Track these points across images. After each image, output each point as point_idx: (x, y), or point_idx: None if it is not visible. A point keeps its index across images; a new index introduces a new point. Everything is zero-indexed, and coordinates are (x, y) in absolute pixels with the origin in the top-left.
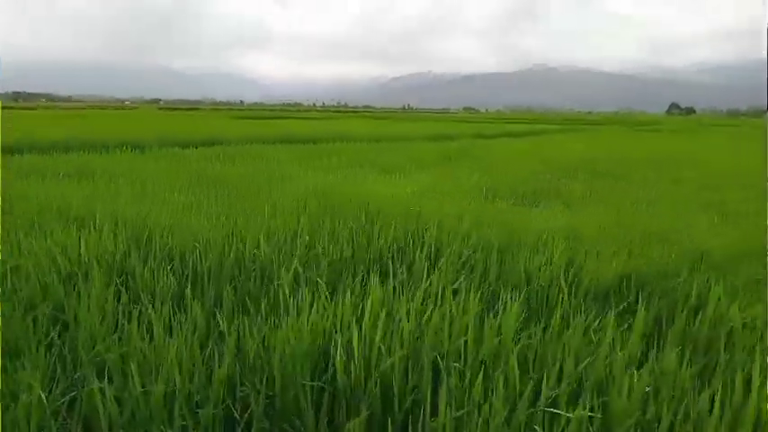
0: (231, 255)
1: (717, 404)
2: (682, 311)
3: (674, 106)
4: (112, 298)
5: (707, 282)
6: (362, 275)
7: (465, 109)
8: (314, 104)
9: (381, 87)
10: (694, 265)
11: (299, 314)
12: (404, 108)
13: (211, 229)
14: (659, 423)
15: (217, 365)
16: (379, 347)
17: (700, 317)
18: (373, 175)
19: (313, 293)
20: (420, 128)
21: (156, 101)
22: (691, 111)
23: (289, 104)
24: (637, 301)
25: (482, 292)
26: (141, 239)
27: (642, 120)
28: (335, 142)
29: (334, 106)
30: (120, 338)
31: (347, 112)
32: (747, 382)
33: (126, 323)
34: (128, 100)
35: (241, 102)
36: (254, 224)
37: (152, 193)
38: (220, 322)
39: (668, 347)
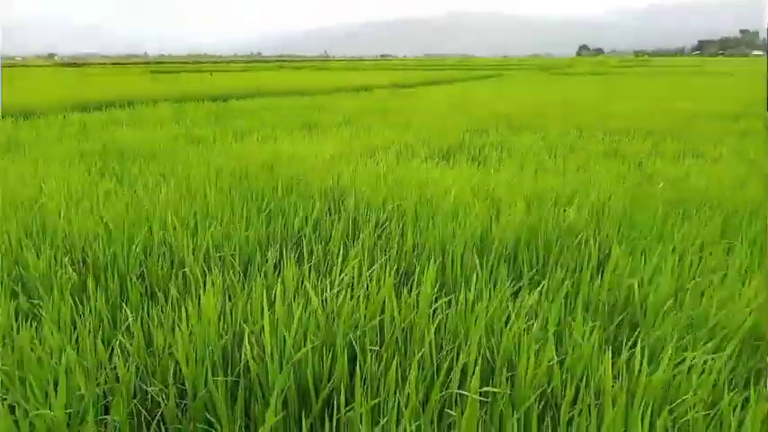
0: (137, 239)
1: (621, 371)
2: (586, 273)
3: (583, 48)
4: (4, 297)
5: (607, 239)
6: (276, 255)
7: (382, 56)
8: (234, 55)
9: (299, 37)
10: (598, 222)
11: (207, 302)
12: (322, 56)
13: (114, 210)
14: (564, 393)
15: (122, 364)
16: (293, 334)
17: (601, 278)
18: (290, 135)
19: (224, 278)
20: (338, 78)
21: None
22: (599, 52)
23: (197, 56)
24: (546, 264)
25: (398, 265)
26: (32, 227)
27: (555, 63)
28: (251, 98)
29: (248, 57)
30: (12, 345)
31: (263, 62)
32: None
33: (20, 324)
34: (18, 56)
35: (146, 53)
36: (159, 202)
37: (44, 172)
38: (128, 314)
39: (576, 313)
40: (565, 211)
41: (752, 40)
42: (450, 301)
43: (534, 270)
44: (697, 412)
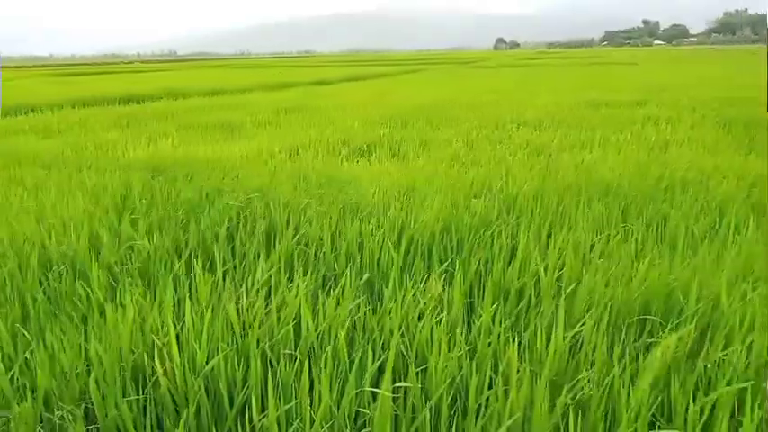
0: (36, 253)
1: (525, 354)
2: (498, 261)
3: (500, 41)
4: None
5: (517, 227)
6: (187, 265)
7: (304, 53)
8: (138, 54)
9: (216, 35)
10: (509, 210)
11: (113, 317)
12: (241, 54)
13: (14, 222)
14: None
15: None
16: (204, 344)
17: (511, 266)
18: (206, 137)
19: (130, 291)
20: (258, 76)
21: None
22: (515, 45)
23: (105, 57)
24: (460, 255)
25: (317, 268)
26: None
27: (473, 56)
28: (165, 100)
29: (161, 57)
30: None
31: (177, 62)
32: (549, 328)
33: None
34: None
35: (51, 55)
36: (64, 212)
37: None
38: (27, 335)
39: (486, 301)
40: (475, 198)
41: (653, 30)
42: (368, 301)
43: (448, 261)
44: (591, 389)
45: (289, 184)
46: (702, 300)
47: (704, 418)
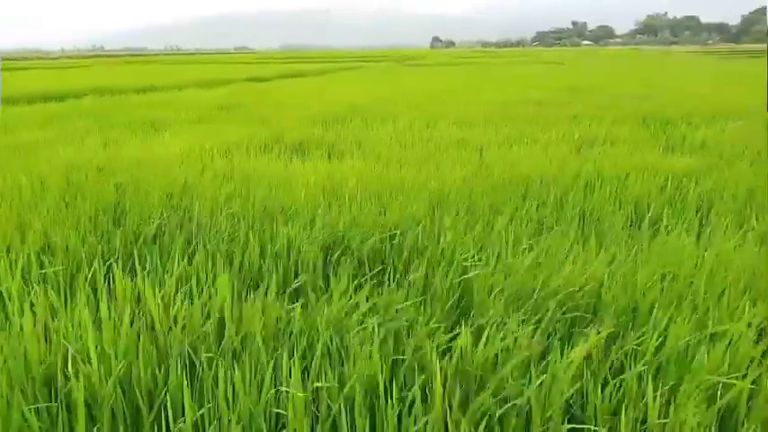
0: None
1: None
2: (424, 260)
3: (435, 40)
4: None
5: (443, 226)
6: (107, 268)
7: (236, 49)
8: (62, 50)
9: (147, 29)
10: (440, 209)
11: (26, 325)
12: (173, 50)
13: None
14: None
15: None
16: (122, 349)
17: (440, 265)
18: (134, 136)
19: (45, 295)
20: (190, 72)
21: None
22: (451, 44)
23: (26, 52)
24: (390, 257)
25: (242, 269)
26: None
27: (410, 54)
28: (90, 96)
29: (86, 52)
30: None
31: (104, 57)
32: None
33: None
34: None
35: None
36: None
37: None
38: None
39: (413, 302)
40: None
41: (581, 31)
42: (296, 305)
43: (381, 264)
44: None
45: (216, 183)
46: (620, 293)
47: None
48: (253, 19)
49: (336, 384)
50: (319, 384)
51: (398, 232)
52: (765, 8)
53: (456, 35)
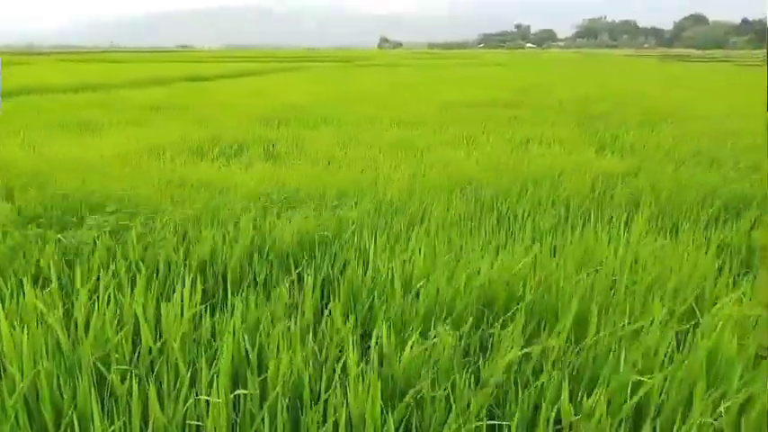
0: None
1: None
2: (354, 263)
3: (383, 40)
4: None
5: (371, 232)
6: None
7: (180, 47)
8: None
9: (81, 26)
10: (376, 210)
11: None
12: (110, 47)
13: None
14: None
15: None
16: (26, 361)
17: (367, 271)
18: (63, 138)
19: None
20: (127, 71)
21: None
22: (398, 45)
23: None
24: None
25: (162, 278)
26: None
27: (357, 55)
28: (17, 96)
29: (17, 49)
30: None
31: (36, 55)
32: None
33: None
34: None
35: None
36: None
37: None
38: None
39: (334, 310)
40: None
41: (525, 33)
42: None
43: (307, 268)
44: (435, 390)
45: (146, 187)
46: (539, 289)
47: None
48: (196, 16)
49: (257, 391)
50: (242, 392)
51: (330, 234)
52: (695, 15)
53: (404, 36)
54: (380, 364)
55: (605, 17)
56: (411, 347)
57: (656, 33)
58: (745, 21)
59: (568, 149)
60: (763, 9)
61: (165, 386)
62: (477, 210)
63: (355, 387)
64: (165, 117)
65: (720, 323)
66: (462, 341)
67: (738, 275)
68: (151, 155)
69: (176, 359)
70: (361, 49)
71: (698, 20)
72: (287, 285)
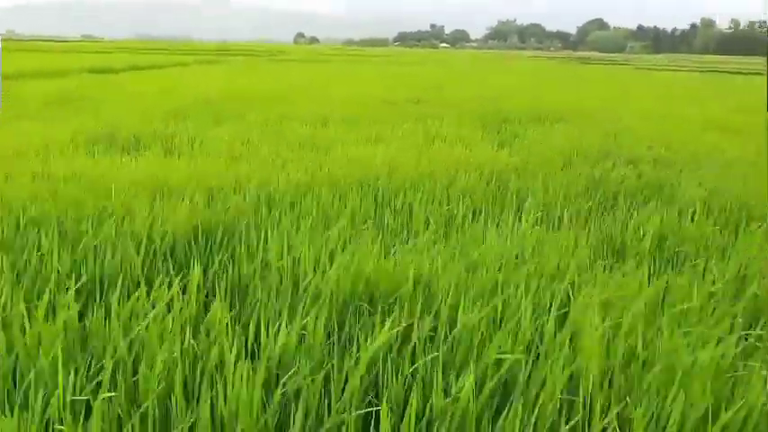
0: None
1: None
2: (243, 256)
3: (299, 36)
4: None
5: (269, 223)
6: None
7: (84, 37)
8: None
9: None
10: (269, 205)
11: None
12: (5, 34)
13: None
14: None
15: None
16: None
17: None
18: None
19: None
20: (23, 60)
21: None
22: (315, 40)
23: None
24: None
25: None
26: None
27: (272, 49)
28: None
29: None
30: None
31: None
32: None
33: None
34: None
35: None
36: None
37: None
38: None
39: (217, 298)
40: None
41: (439, 33)
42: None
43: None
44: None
45: (28, 181)
46: (421, 283)
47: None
48: (104, 5)
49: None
50: (110, 395)
51: (222, 230)
52: (597, 21)
53: (321, 32)
54: (258, 356)
55: (515, 20)
56: (287, 335)
57: (561, 37)
58: (640, 27)
59: (470, 146)
60: (654, 17)
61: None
62: (375, 205)
63: (231, 379)
64: (62, 111)
65: (588, 307)
66: (344, 331)
67: (613, 263)
68: (36, 151)
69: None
70: (277, 43)
71: (600, 25)
72: (168, 279)
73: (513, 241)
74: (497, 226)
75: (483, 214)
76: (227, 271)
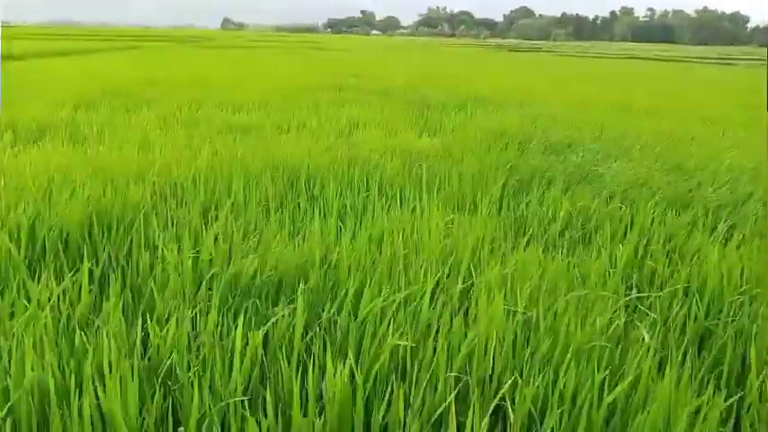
0: None
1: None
2: (141, 248)
3: (227, 21)
4: None
5: (172, 213)
6: None
7: None
8: None
9: None
10: (175, 195)
11: None
12: None
13: None
14: None
15: None
16: None
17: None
18: None
19: None
20: None
21: None
22: (242, 26)
23: None
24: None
25: None
26: None
27: (197, 35)
28: None
29: None
30: None
31: None
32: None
33: None
34: None
35: None
36: None
37: None
38: None
39: (110, 298)
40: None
41: (370, 20)
42: None
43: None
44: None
45: None
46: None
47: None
48: None
49: None
50: None
51: (119, 222)
52: (523, 8)
53: (249, 18)
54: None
55: (445, 8)
56: (176, 330)
57: (489, 24)
58: (564, 15)
59: (391, 132)
60: (576, 5)
61: None
62: (288, 192)
63: (108, 381)
64: None
65: (491, 284)
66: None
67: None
68: None
69: None
70: (202, 29)
71: (525, 13)
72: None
73: (426, 223)
74: (412, 211)
75: (399, 200)
76: (122, 265)
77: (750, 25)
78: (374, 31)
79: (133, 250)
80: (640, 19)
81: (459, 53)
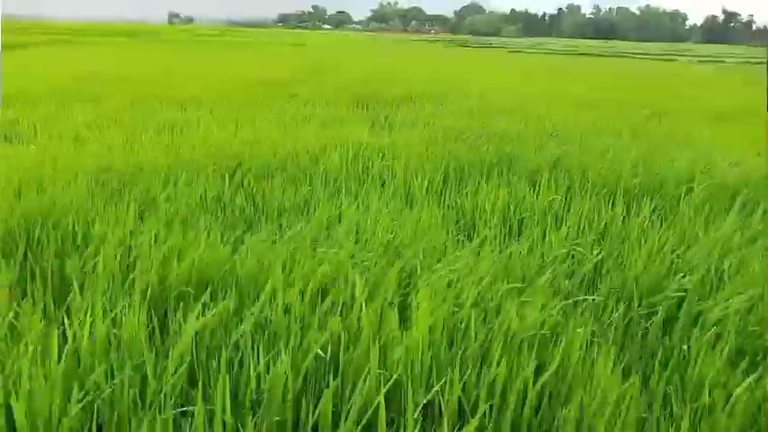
0: None
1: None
2: (71, 248)
3: (174, 15)
4: None
5: (103, 212)
6: None
7: None
8: None
9: None
10: (109, 193)
11: None
12: None
13: None
14: None
15: None
16: None
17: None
18: None
19: None
20: None
21: None
22: (190, 20)
23: None
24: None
25: None
26: None
27: (142, 29)
28: None
29: None
30: None
31: None
32: None
33: None
34: None
35: None
36: None
37: None
38: None
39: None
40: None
41: (322, 15)
42: None
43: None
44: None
45: None
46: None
47: None
48: None
49: None
50: None
51: (47, 221)
52: (473, 5)
53: (197, 11)
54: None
55: (397, 3)
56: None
57: (441, 20)
58: (513, 11)
59: (340, 127)
60: (525, 1)
61: None
62: (230, 189)
63: (25, 385)
64: None
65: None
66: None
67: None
68: None
69: None
70: (148, 23)
71: (476, 9)
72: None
73: (371, 217)
74: (357, 207)
75: (344, 194)
76: (48, 266)
77: (689, 23)
78: (326, 26)
79: (62, 249)
80: (586, 16)
81: (410, 48)
